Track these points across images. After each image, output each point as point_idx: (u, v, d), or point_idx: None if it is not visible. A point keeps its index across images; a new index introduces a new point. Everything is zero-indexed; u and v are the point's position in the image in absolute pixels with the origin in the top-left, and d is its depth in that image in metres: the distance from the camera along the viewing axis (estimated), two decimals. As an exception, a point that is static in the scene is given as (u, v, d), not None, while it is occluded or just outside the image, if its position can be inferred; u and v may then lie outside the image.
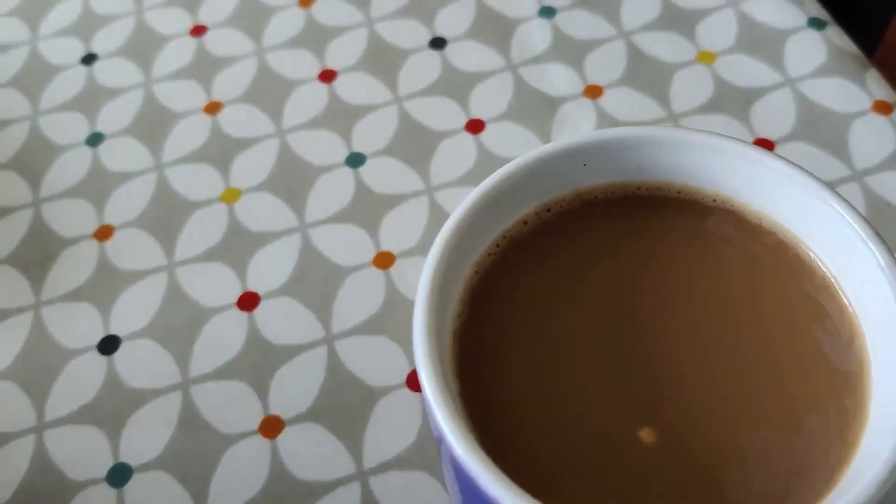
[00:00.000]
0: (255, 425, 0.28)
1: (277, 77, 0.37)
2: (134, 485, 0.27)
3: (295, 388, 0.28)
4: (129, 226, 0.33)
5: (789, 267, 0.20)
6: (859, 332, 0.19)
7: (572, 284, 0.20)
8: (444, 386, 0.17)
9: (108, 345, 0.30)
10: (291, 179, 0.33)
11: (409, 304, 0.30)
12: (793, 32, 0.36)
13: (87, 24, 0.40)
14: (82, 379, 0.29)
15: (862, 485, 0.16)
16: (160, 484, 0.27)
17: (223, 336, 0.30)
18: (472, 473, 0.16)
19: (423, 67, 0.36)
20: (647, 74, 0.35)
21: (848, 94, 0.34)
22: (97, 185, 0.34)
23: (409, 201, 0.32)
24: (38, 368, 0.30)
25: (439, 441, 0.18)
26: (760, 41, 0.35)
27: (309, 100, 0.36)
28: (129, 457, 0.27)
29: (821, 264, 0.20)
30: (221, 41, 0.38)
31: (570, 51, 0.36)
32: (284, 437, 0.27)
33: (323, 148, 0.34)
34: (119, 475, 0.27)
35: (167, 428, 0.28)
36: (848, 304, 0.19)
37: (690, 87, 0.34)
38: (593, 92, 0.35)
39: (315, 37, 0.38)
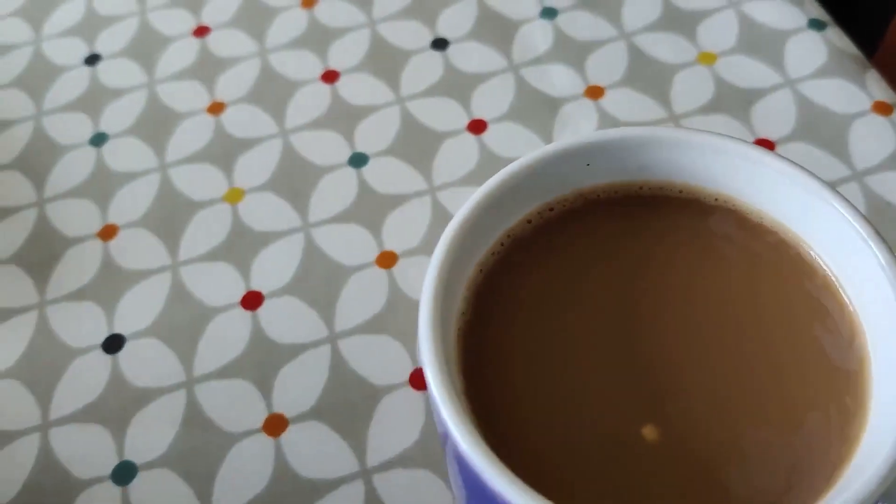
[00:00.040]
0: (259, 423, 0.28)
1: (280, 78, 0.37)
2: (139, 483, 0.27)
3: (298, 386, 0.28)
4: (133, 225, 0.33)
5: (790, 266, 0.20)
6: (860, 330, 0.19)
7: (575, 283, 0.20)
8: (450, 383, 0.17)
9: (113, 344, 0.30)
10: (294, 179, 0.34)
11: (411, 304, 0.30)
12: (793, 33, 0.36)
13: (91, 24, 0.40)
14: (87, 378, 0.29)
15: (862, 481, 0.16)
16: (165, 482, 0.27)
17: (227, 335, 0.30)
18: (477, 469, 0.16)
19: (425, 68, 0.36)
20: (648, 75, 0.35)
21: (848, 94, 0.34)
22: (101, 185, 0.34)
23: (411, 201, 0.33)
24: (42, 367, 0.30)
25: (444, 438, 0.18)
26: (761, 42, 0.36)
27: (312, 100, 0.36)
28: (134, 455, 0.28)
29: (822, 263, 0.20)
30: (224, 42, 0.38)
31: (571, 52, 0.36)
32: (288, 436, 0.28)
33: (326, 148, 0.34)
34: (124, 473, 0.27)
35: (171, 426, 0.28)
36: (848, 303, 0.19)
37: (691, 88, 0.35)
38: (594, 92, 0.35)
39: (318, 38, 0.38)
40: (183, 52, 0.38)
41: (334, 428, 0.28)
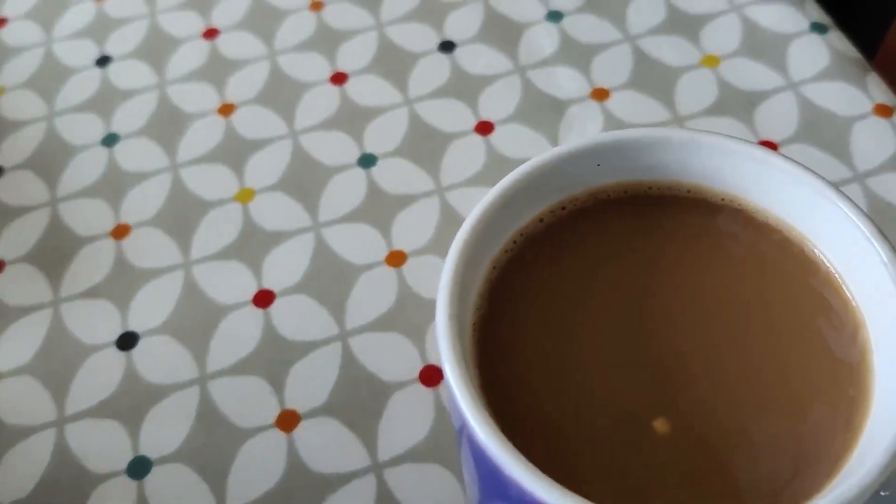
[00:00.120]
0: (272, 419, 0.28)
1: (289, 79, 0.37)
2: (154, 477, 0.28)
3: (310, 383, 0.29)
4: (146, 225, 0.33)
5: (795, 263, 0.21)
6: (863, 325, 0.19)
7: (587, 279, 0.21)
8: (467, 376, 0.17)
9: (127, 341, 0.30)
10: (304, 180, 0.34)
11: (421, 302, 0.31)
12: (795, 37, 0.36)
13: (101, 26, 0.40)
14: (101, 374, 0.30)
15: (864, 469, 0.17)
16: (180, 476, 0.28)
17: (239, 332, 0.30)
18: (495, 459, 0.16)
19: (432, 70, 0.37)
20: (653, 78, 0.36)
21: (849, 97, 0.34)
22: (113, 185, 0.35)
23: (420, 201, 0.33)
24: (57, 364, 0.30)
25: (460, 430, 0.18)
26: (764, 45, 0.36)
27: (321, 101, 0.36)
28: (149, 450, 0.28)
29: (825, 260, 0.21)
30: (234, 44, 0.39)
31: (577, 54, 0.37)
32: (300, 431, 0.28)
33: (335, 149, 0.35)
34: (139, 468, 0.28)
35: (186, 422, 0.29)
36: (851, 299, 0.20)
37: (695, 91, 0.35)
38: (600, 94, 0.35)
39: (326, 40, 0.38)
40: (193, 54, 0.39)
41: (346, 423, 0.28)
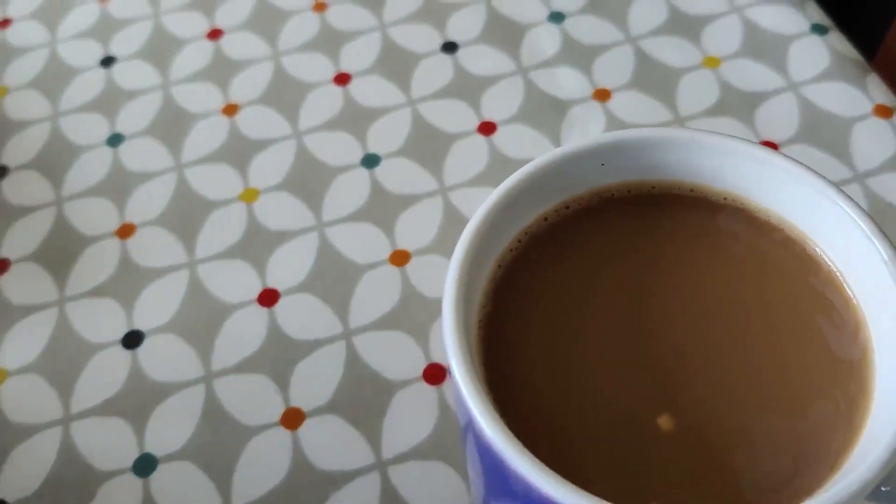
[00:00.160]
0: (277, 417, 0.29)
1: (293, 80, 0.37)
2: (159, 475, 0.28)
3: (315, 381, 0.29)
4: (151, 224, 0.34)
5: (796, 262, 0.21)
6: (863, 323, 0.20)
7: (590, 278, 0.21)
8: (473, 373, 0.17)
9: (132, 339, 0.31)
10: (308, 180, 0.34)
11: (424, 301, 0.31)
12: (796, 38, 0.37)
13: (105, 27, 0.40)
14: (107, 372, 0.30)
15: (864, 466, 0.17)
16: (185, 474, 0.28)
17: (244, 331, 0.31)
18: (501, 454, 0.17)
19: (435, 71, 0.37)
20: (655, 78, 0.36)
21: (849, 98, 0.35)
22: (118, 185, 0.35)
23: (423, 201, 0.33)
24: (63, 362, 0.30)
25: (466, 427, 0.19)
26: (764, 46, 0.36)
27: (324, 102, 0.37)
28: (155, 448, 0.28)
29: (826, 259, 0.21)
30: (238, 45, 0.39)
31: (578, 55, 0.37)
32: (305, 429, 0.28)
33: (338, 149, 0.35)
34: (145, 465, 0.28)
35: (191, 420, 0.29)
36: (852, 297, 0.20)
37: (696, 91, 0.35)
38: (602, 95, 0.36)
39: (329, 41, 0.39)
40: (197, 55, 0.39)
41: (350, 421, 0.28)
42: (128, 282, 0.32)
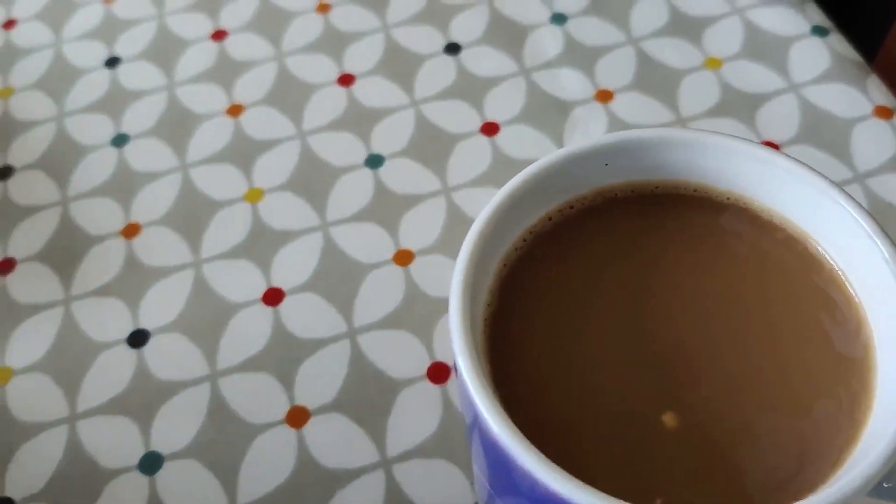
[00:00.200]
0: (282, 415, 0.29)
1: (297, 81, 0.38)
2: (165, 472, 0.28)
3: (319, 380, 0.29)
4: (156, 224, 0.34)
5: (799, 261, 0.21)
6: (865, 321, 0.20)
7: (595, 276, 0.21)
8: (480, 370, 0.18)
9: (138, 338, 0.31)
10: (312, 180, 0.34)
11: (428, 300, 0.31)
12: (796, 40, 0.37)
13: (110, 28, 0.41)
14: (113, 371, 0.30)
15: (866, 462, 0.17)
16: (191, 471, 0.28)
17: (249, 330, 0.31)
18: (508, 451, 0.17)
19: (438, 72, 0.37)
20: (656, 79, 0.36)
21: (850, 99, 0.35)
22: (123, 185, 0.35)
23: (426, 201, 0.34)
24: (69, 361, 0.31)
25: (472, 424, 0.19)
26: (765, 48, 0.37)
27: (328, 103, 0.37)
28: (160, 446, 0.28)
29: (828, 258, 0.21)
30: (242, 46, 0.39)
31: (581, 56, 0.37)
32: (310, 427, 0.28)
33: (342, 149, 0.35)
34: (151, 463, 0.28)
35: (196, 418, 0.29)
36: (854, 295, 0.20)
37: (698, 92, 0.36)
38: (604, 96, 0.36)
39: (333, 42, 0.39)
40: (201, 56, 0.39)
41: (355, 420, 0.28)
42: (133, 281, 0.32)
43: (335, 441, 0.28)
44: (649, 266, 0.21)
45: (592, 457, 0.19)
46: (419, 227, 0.33)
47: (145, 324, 0.31)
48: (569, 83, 0.36)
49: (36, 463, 0.28)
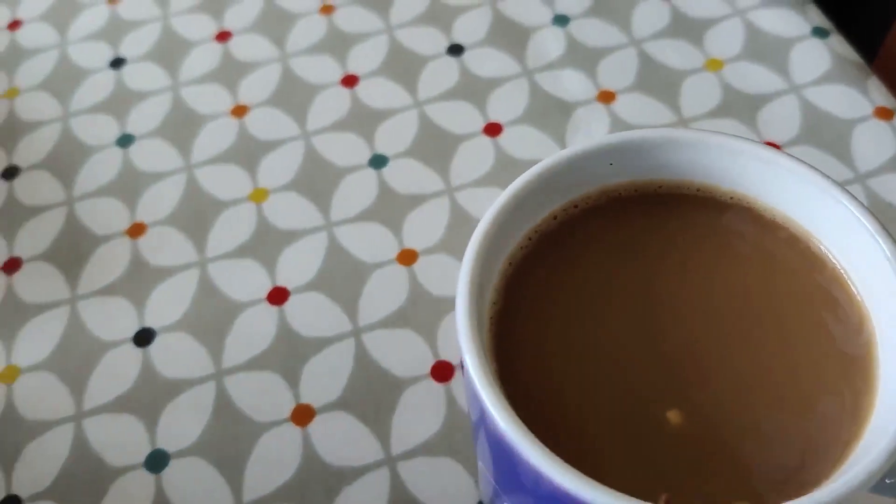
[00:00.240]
0: (287, 414, 0.29)
1: (301, 82, 0.38)
2: (171, 470, 0.28)
3: (324, 378, 0.30)
4: (161, 224, 0.34)
5: (801, 259, 0.21)
6: (867, 318, 0.20)
7: (599, 275, 0.21)
8: (487, 367, 0.18)
9: (143, 337, 0.31)
10: (317, 180, 0.35)
11: (432, 299, 0.31)
12: (797, 41, 0.37)
13: (115, 29, 0.41)
14: (119, 370, 0.30)
15: (870, 458, 0.17)
16: (197, 469, 0.28)
17: (254, 329, 0.31)
18: (515, 446, 0.17)
19: (441, 73, 0.38)
20: (658, 80, 0.36)
21: (850, 100, 0.35)
22: (128, 185, 0.35)
23: (430, 201, 0.34)
24: (75, 360, 0.31)
25: (479, 421, 0.19)
26: (766, 49, 0.37)
27: (332, 103, 0.37)
28: (166, 443, 0.29)
29: (831, 256, 0.21)
30: (246, 47, 0.39)
31: (583, 57, 0.37)
32: (315, 425, 0.29)
33: (346, 150, 0.36)
34: (157, 461, 0.28)
35: (202, 416, 0.29)
36: (856, 293, 0.21)
37: (699, 93, 0.36)
38: (606, 97, 0.36)
39: (337, 43, 0.39)
40: (206, 57, 0.39)
41: (359, 418, 0.29)
42: (139, 280, 0.32)
43: (340, 439, 0.28)
44: (653, 265, 0.22)
45: (598, 453, 0.19)
46: (423, 227, 0.33)
47: (151, 323, 0.31)
48: (571, 84, 0.37)
49: (42, 461, 0.29)
